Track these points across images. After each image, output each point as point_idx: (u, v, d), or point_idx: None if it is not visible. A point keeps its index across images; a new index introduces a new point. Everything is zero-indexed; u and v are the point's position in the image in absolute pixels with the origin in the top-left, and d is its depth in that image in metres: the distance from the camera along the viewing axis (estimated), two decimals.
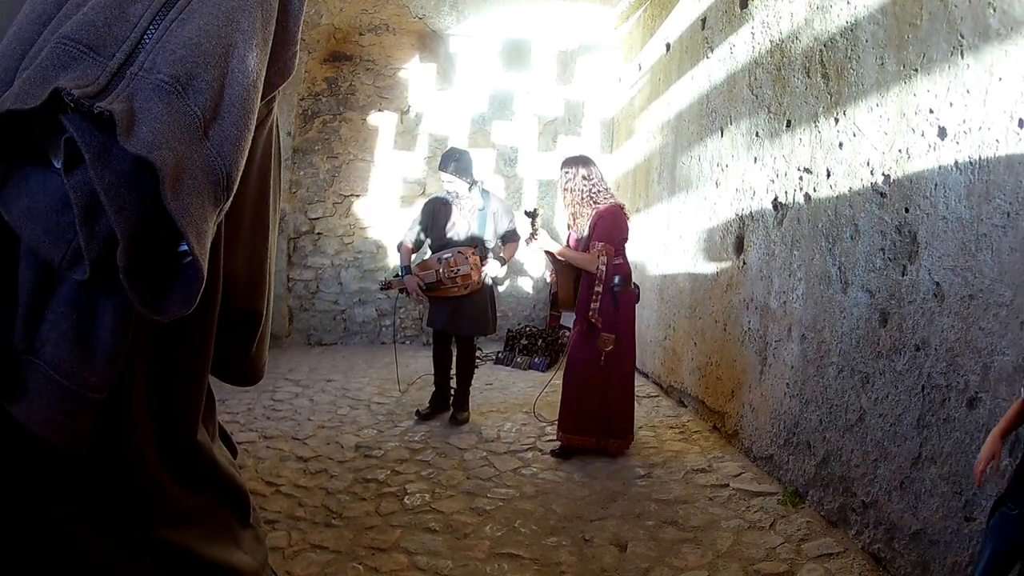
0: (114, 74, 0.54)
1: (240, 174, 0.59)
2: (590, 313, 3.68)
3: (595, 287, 3.67)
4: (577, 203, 3.78)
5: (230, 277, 0.70)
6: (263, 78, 0.63)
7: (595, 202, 3.77)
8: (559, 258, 3.83)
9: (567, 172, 3.82)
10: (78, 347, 0.56)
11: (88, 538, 0.63)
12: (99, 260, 0.52)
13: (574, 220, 3.85)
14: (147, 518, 0.66)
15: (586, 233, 3.78)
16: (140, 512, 0.66)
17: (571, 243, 3.89)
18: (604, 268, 3.66)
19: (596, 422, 3.75)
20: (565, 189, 3.80)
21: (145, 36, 0.55)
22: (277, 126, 0.78)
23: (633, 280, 3.88)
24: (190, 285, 0.55)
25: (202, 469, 0.73)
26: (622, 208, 3.85)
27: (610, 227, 3.71)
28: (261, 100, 0.65)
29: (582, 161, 3.84)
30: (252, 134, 0.61)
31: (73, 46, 0.54)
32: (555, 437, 3.94)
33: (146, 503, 0.66)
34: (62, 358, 0.56)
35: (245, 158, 0.60)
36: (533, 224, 3.74)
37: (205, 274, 0.55)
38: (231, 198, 0.59)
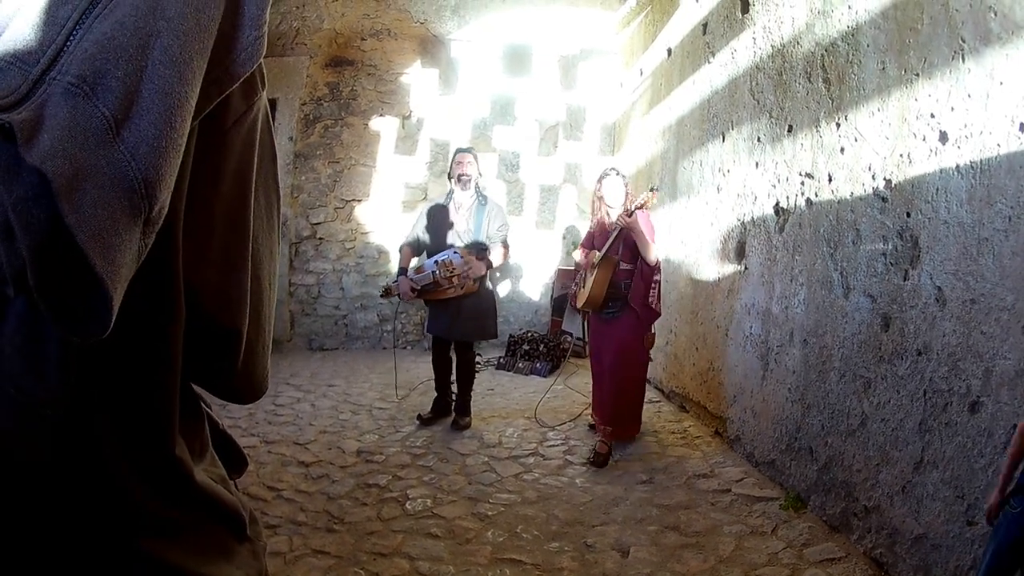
0: (35, 81, 0.50)
1: (168, 177, 0.54)
2: (650, 300, 3.85)
3: (654, 276, 3.87)
4: (627, 204, 3.93)
5: (198, 291, 0.65)
6: (201, 68, 0.57)
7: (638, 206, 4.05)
8: (611, 247, 3.93)
9: (624, 176, 4.09)
10: (29, 362, 0.55)
11: (68, 551, 0.60)
12: (22, 277, 0.50)
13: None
14: (126, 532, 0.64)
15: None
16: (118, 526, 0.63)
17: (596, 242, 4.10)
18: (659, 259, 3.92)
19: (624, 412, 3.98)
20: (626, 193, 4.02)
21: (71, 37, 0.51)
22: (269, 124, 0.73)
23: None
24: (102, 305, 0.51)
25: (183, 485, 0.69)
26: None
27: (652, 230, 3.92)
28: (224, 92, 0.60)
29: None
30: (183, 132, 0.55)
31: (1, 59, 0.51)
32: (597, 434, 3.97)
33: (123, 517, 0.64)
34: (17, 372, 0.55)
35: (176, 159, 0.55)
36: (647, 201, 3.86)
37: (114, 293, 0.51)
38: (159, 205, 0.54)
